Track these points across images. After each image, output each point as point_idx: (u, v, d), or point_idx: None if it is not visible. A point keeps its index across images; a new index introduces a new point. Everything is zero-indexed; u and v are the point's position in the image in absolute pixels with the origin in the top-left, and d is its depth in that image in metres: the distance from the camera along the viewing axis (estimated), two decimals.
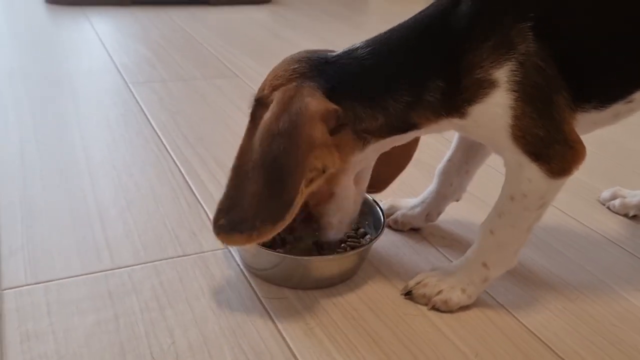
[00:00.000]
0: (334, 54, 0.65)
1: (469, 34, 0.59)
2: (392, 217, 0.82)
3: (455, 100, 0.60)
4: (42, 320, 0.62)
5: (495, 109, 0.58)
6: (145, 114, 1.14)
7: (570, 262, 0.79)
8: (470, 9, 0.59)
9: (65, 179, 0.90)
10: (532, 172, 0.60)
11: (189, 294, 0.67)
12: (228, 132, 1.09)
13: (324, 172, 0.60)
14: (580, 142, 0.60)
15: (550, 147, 0.58)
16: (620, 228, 0.88)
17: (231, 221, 0.60)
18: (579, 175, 1.02)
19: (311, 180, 0.60)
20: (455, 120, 0.61)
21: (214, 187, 0.90)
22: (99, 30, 1.70)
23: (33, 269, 0.69)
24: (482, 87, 0.58)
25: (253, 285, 0.69)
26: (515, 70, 0.57)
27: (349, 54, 0.64)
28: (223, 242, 0.61)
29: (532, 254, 0.80)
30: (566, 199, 0.95)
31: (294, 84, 0.61)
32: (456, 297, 0.67)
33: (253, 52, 1.58)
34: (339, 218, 0.69)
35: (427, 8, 0.63)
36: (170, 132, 1.07)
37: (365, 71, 0.62)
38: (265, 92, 0.63)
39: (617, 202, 0.91)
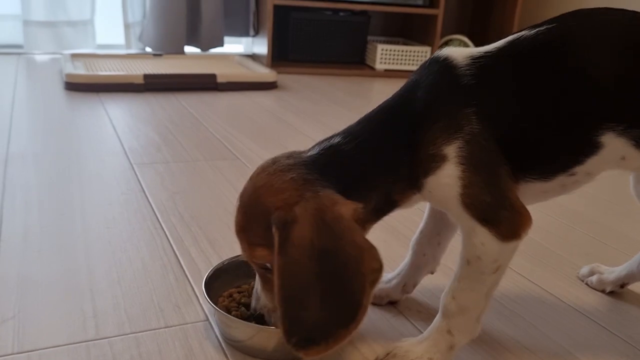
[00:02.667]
0: (316, 150, 0.68)
1: (424, 117, 0.66)
2: None
3: (414, 174, 0.66)
4: None
5: (446, 179, 0.64)
6: (145, 194, 1.21)
7: (543, 335, 0.81)
8: (425, 96, 0.66)
9: (63, 255, 0.94)
10: (484, 236, 0.64)
11: None
12: (222, 210, 1.15)
13: (381, 269, 0.63)
14: (525, 209, 0.65)
15: (498, 213, 0.64)
16: (596, 304, 0.90)
17: (303, 337, 0.61)
18: (559, 251, 1.06)
19: (374, 281, 0.62)
20: (417, 194, 0.67)
21: (202, 263, 0.94)
22: (112, 114, 1.80)
23: (20, 339, 0.73)
24: (435, 161, 0.64)
25: (229, 355, 0.72)
26: (462, 147, 0.63)
27: (333, 149, 0.68)
28: (305, 356, 0.62)
29: (504, 327, 0.82)
30: (545, 274, 0.97)
31: (309, 194, 0.63)
32: None
33: (255, 135, 1.66)
34: None
35: (391, 97, 0.70)
36: (167, 211, 1.13)
37: (355, 164, 0.67)
38: (282, 212, 0.62)
39: (594, 278, 0.93)
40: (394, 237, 1.07)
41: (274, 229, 0.62)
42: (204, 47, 2.86)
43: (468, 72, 0.65)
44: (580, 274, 0.96)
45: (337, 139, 0.69)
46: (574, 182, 0.69)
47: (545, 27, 0.66)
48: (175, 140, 1.59)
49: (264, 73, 2.35)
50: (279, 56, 2.83)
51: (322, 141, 0.70)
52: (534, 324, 0.83)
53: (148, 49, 2.81)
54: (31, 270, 0.89)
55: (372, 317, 0.82)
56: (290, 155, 0.69)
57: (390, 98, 0.71)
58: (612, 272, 0.92)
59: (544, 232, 1.14)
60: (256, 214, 0.65)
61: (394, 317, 0.83)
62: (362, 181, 0.66)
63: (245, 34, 3.04)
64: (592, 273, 0.95)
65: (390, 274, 0.86)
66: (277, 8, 2.70)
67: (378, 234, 1.13)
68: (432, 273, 0.85)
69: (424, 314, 0.84)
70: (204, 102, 2.03)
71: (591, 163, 0.66)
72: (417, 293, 0.87)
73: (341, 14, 2.79)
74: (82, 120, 1.76)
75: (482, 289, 0.67)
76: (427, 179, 0.65)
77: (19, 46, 2.74)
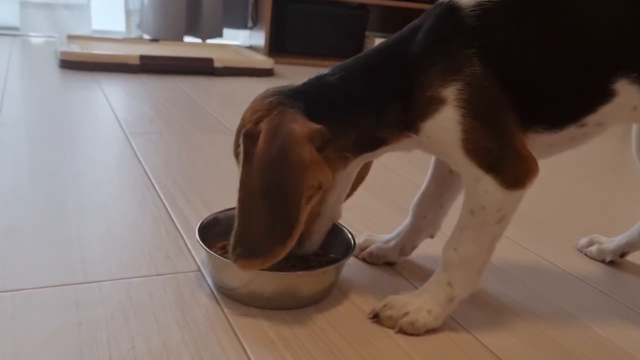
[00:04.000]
0: (303, 83, 0.70)
1: (422, 59, 0.64)
2: (366, 250, 0.83)
3: (410, 117, 0.64)
4: (5, 323, 0.62)
5: (445, 123, 0.62)
6: (138, 158, 1.18)
7: (542, 298, 0.79)
8: (424, 38, 0.65)
9: (52, 208, 0.92)
10: (488, 183, 0.62)
11: (156, 308, 0.67)
12: (217, 178, 1.12)
13: (320, 188, 0.64)
14: (532, 157, 0.63)
15: (502, 160, 0.62)
16: (596, 272, 0.88)
17: (246, 249, 0.64)
18: (558, 226, 1.04)
19: (310, 197, 0.64)
20: (414, 137, 0.65)
21: (195, 220, 0.91)
22: (106, 90, 1.77)
23: (5, 278, 0.70)
24: (432, 104, 0.62)
25: (221, 303, 0.70)
26: (462, 89, 0.61)
27: (319, 80, 0.69)
28: (242, 268, 0.64)
29: (505, 289, 0.80)
30: (544, 246, 0.95)
31: (275, 113, 0.66)
32: (422, 318, 0.66)
33: None
34: (320, 234, 0.73)
35: (390, 38, 0.68)
36: (160, 175, 1.10)
37: (336, 94, 0.67)
38: (250, 126, 0.67)
39: (594, 248, 0.92)
40: (388, 205, 1.05)
41: (240, 141, 0.66)
42: (203, 37, 2.84)
43: (472, 13, 0.63)
44: (579, 245, 0.95)
45: (325, 71, 0.69)
46: (583, 134, 0.66)
47: None
48: (169, 115, 1.57)
49: (261, 60, 2.34)
50: (277, 48, 2.82)
51: (314, 73, 0.70)
52: (535, 288, 0.81)
53: (146, 37, 2.79)
54: (18, 221, 0.86)
55: (368, 274, 0.80)
56: (283, 86, 0.70)
57: (389, 39, 0.69)
58: (611, 242, 0.91)
59: (542, 209, 1.13)
60: (237, 132, 0.69)
61: (391, 276, 0.81)
62: (339, 112, 0.66)
63: (243, 26, 3.03)
64: (591, 243, 0.93)
65: (388, 235, 0.84)
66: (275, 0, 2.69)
67: (372, 202, 1.11)
68: (431, 237, 0.83)
69: (421, 274, 0.82)
70: (200, 85, 2.01)
71: (603, 112, 0.64)
72: (415, 257, 0.85)
73: (340, 7, 2.78)
74: (76, 94, 1.73)
75: (485, 240, 0.65)
76: (424, 123, 0.63)
77: (16, 28, 2.72)
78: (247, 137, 0.65)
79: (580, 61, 0.63)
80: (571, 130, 0.65)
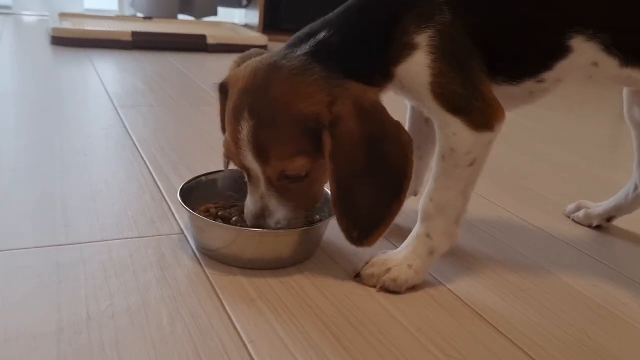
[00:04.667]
0: (305, 48, 0.65)
1: (399, 9, 0.64)
2: None
3: (387, 63, 0.65)
4: None
5: (416, 68, 0.63)
6: (127, 129, 1.18)
7: (526, 259, 0.79)
8: None
9: (36, 174, 0.92)
10: (456, 126, 0.63)
11: (137, 268, 0.67)
12: (205, 146, 1.12)
13: (412, 142, 0.64)
14: (498, 102, 0.64)
15: (469, 103, 0.63)
16: (582, 235, 0.88)
17: (363, 229, 0.63)
18: (546, 193, 1.04)
19: (412, 151, 0.64)
20: (389, 85, 0.66)
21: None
22: (98, 67, 1.76)
23: None
24: (406, 49, 0.63)
25: (203, 264, 0.70)
26: (433, 37, 0.63)
27: (327, 45, 0.65)
28: (370, 245, 0.64)
29: (488, 250, 0.80)
30: (530, 210, 0.95)
31: (337, 90, 0.62)
32: (404, 274, 0.66)
33: None
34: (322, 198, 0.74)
35: None
36: (148, 144, 1.10)
37: (349, 56, 0.65)
38: (324, 114, 0.61)
39: (581, 213, 0.92)
40: None
41: (324, 133, 0.61)
42: (197, 16, 2.82)
43: None
44: (567, 211, 0.95)
45: (323, 34, 0.66)
46: (543, 90, 0.68)
47: None
48: (161, 89, 1.56)
49: (255, 36, 2.32)
50: (271, 25, 2.80)
51: (303, 37, 0.67)
52: (519, 250, 0.81)
53: (140, 15, 2.77)
54: (2, 186, 0.86)
55: None
56: (277, 57, 0.65)
57: None
58: (599, 206, 0.90)
59: (528, 176, 1.12)
60: (286, 125, 0.62)
61: None
62: (357, 71, 0.65)
63: (238, 4, 3.00)
64: (578, 208, 0.93)
65: None
66: None
67: None
68: (415, 195, 0.83)
69: (405, 235, 0.81)
70: (193, 61, 2.00)
71: (560, 68, 0.65)
72: (398, 219, 0.85)
73: None
74: (67, 70, 1.72)
75: (459, 185, 0.66)
76: (397, 68, 0.64)
77: (8, 7, 2.70)
78: (332, 125, 0.61)
79: (538, 17, 0.64)
80: (530, 85, 0.67)
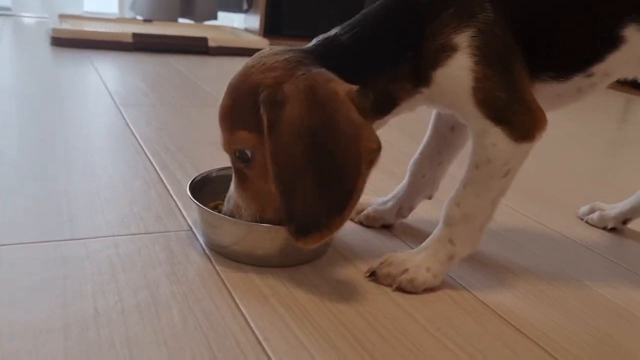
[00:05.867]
0: (313, 44, 0.64)
1: (432, 7, 0.61)
2: (363, 212, 0.81)
3: (421, 68, 0.61)
4: None
5: (457, 71, 0.59)
6: (129, 127, 1.15)
7: (542, 260, 0.77)
8: None
9: (39, 169, 0.89)
10: (496, 136, 0.60)
11: (145, 264, 0.65)
12: (210, 147, 1.10)
13: (379, 150, 0.58)
14: (541, 110, 0.60)
15: (512, 111, 0.59)
16: (596, 237, 0.86)
17: (300, 225, 0.58)
18: (558, 196, 1.02)
19: (371, 162, 0.58)
20: (424, 91, 0.62)
21: (187, 184, 0.89)
22: (99, 67, 1.74)
23: None
24: (444, 52, 0.59)
25: (213, 260, 0.67)
26: (474, 36, 0.58)
27: (331, 40, 0.63)
28: (304, 245, 0.59)
29: (504, 252, 0.78)
30: (543, 213, 0.93)
31: (301, 72, 0.58)
32: (421, 275, 0.64)
33: None
34: None
35: None
36: (152, 142, 1.07)
37: (352, 53, 0.62)
38: (269, 90, 0.58)
39: (595, 215, 0.90)
40: (386, 175, 1.03)
41: (261, 109, 0.58)
42: (197, 20, 2.81)
43: None
44: (580, 213, 0.93)
45: (335, 31, 0.64)
46: (590, 85, 0.64)
47: None
48: (162, 89, 1.54)
49: (256, 40, 2.31)
50: (272, 30, 2.79)
51: (320, 35, 0.65)
52: (534, 251, 0.79)
53: (139, 18, 2.75)
54: (5, 183, 0.84)
55: (365, 237, 0.78)
56: (288, 47, 0.64)
57: None
58: (613, 208, 0.89)
59: (543, 181, 1.11)
60: (243, 95, 0.61)
61: (388, 238, 0.79)
62: (359, 72, 0.61)
63: (238, 9, 2.99)
64: (592, 210, 0.91)
65: (385, 197, 0.82)
66: None
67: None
68: (429, 198, 0.81)
69: (419, 237, 0.79)
70: (194, 63, 1.98)
71: (611, 61, 0.62)
72: (412, 220, 0.83)
73: None
74: (67, 69, 1.70)
75: (489, 195, 0.63)
76: (435, 72, 0.60)
77: (7, 8, 2.68)
78: (272, 104, 0.57)
79: (589, 6, 0.61)
80: (578, 80, 0.63)
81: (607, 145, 1.56)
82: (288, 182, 0.58)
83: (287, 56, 0.61)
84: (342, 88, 0.58)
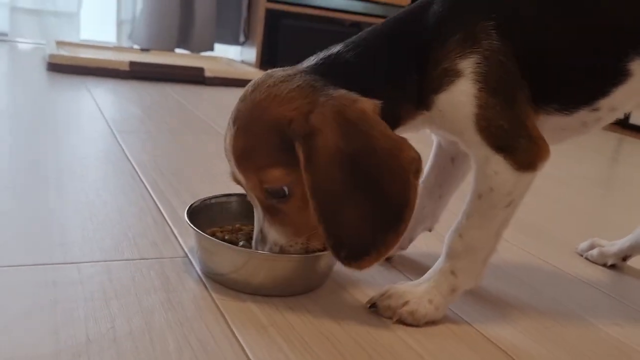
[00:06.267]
0: (315, 61, 0.63)
1: (438, 31, 0.61)
2: None
3: (424, 91, 0.61)
4: None
5: (460, 97, 0.59)
6: (125, 153, 1.14)
7: (545, 296, 0.76)
8: (440, 9, 0.61)
9: (33, 193, 0.87)
10: (498, 164, 0.59)
11: (139, 290, 0.63)
12: (207, 174, 1.09)
13: (420, 159, 0.58)
14: (544, 140, 0.60)
15: (515, 140, 0.58)
16: (597, 274, 0.85)
17: (351, 250, 0.57)
18: (556, 232, 1.01)
19: (417, 171, 0.57)
20: (426, 113, 0.62)
21: (183, 211, 0.87)
22: (95, 93, 1.74)
23: None
24: (448, 76, 0.59)
25: (209, 288, 0.66)
26: (479, 63, 0.58)
27: (334, 58, 0.62)
28: (359, 269, 0.58)
29: (506, 287, 0.77)
30: (544, 249, 0.92)
31: (322, 98, 0.57)
32: (423, 308, 0.63)
33: None
34: None
35: (403, 10, 0.66)
36: (147, 168, 1.06)
37: (358, 71, 0.62)
38: (298, 122, 0.57)
39: (595, 251, 0.89)
40: None
41: (296, 144, 0.56)
42: (194, 50, 2.83)
43: None
44: (580, 249, 0.92)
45: (337, 48, 0.64)
46: (596, 120, 0.64)
47: None
48: (159, 117, 1.53)
49: (252, 71, 2.32)
50: (268, 63, 2.81)
51: (320, 52, 0.65)
52: (536, 287, 0.78)
53: (137, 47, 2.77)
54: None
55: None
56: (285, 69, 0.63)
57: (401, 11, 0.66)
58: (613, 245, 0.88)
59: (539, 216, 1.10)
60: (263, 132, 0.59)
61: (387, 270, 0.77)
62: (366, 90, 0.60)
63: (235, 41, 3.02)
64: (592, 247, 0.90)
65: None
66: (268, 14, 2.69)
67: None
68: (429, 230, 0.80)
69: (419, 270, 0.78)
70: (190, 92, 1.98)
71: (617, 95, 0.62)
72: (412, 252, 0.82)
73: (333, 24, 2.79)
74: (63, 95, 1.69)
75: (493, 226, 0.62)
76: (438, 96, 0.60)
77: (4, 34, 2.68)
78: (305, 135, 0.56)
79: (597, 39, 0.61)
80: (583, 114, 0.63)
81: (601, 184, 1.56)
82: (333, 211, 0.57)
83: (298, 83, 0.59)
84: (368, 106, 0.58)
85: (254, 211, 0.65)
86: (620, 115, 0.65)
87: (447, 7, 0.61)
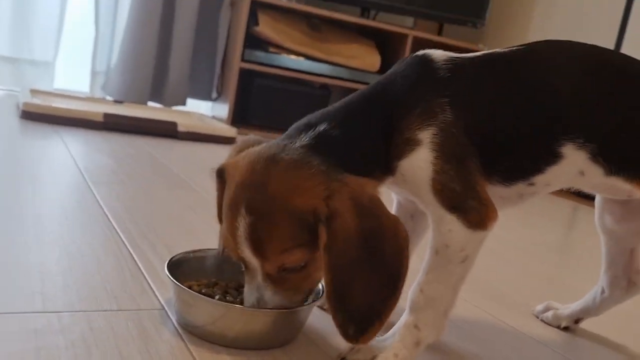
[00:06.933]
0: (304, 140, 0.67)
1: (401, 105, 0.68)
2: None
3: (390, 158, 0.68)
4: None
5: (419, 163, 0.66)
6: (100, 204, 1.16)
7: (503, 353, 0.80)
8: (403, 86, 0.69)
9: (11, 244, 0.89)
10: (452, 223, 0.65)
11: (119, 340, 0.65)
12: (182, 229, 1.11)
13: (407, 235, 0.65)
14: (492, 202, 0.67)
15: (466, 202, 0.65)
16: (551, 335, 0.90)
17: (359, 324, 0.62)
18: (513, 295, 1.07)
19: (407, 246, 0.65)
20: (391, 178, 0.68)
21: (159, 264, 0.90)
22: (68, 142, 1.76)
23: None
24: (409, 145, 0.66)
25: (185, 339, 0.68)
26: (435, 134, 0.66)
27: (326, 137, 0.67)
28: (365, 342, 0.63)
29: (465, 344, 0.81)
30: (502, 310, 0.98)
31: (335, 184, 0.63)
32: None
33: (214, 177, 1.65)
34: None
35: (369, 86, 0.73)
36: (123, 219, 1.09)
37: (346, 149, 0.68)
38: (321, 208, 0.62)
39: (549, 314, 0.94)
40: None
41: (320, 227, 0.62)
42: (167, 104, 2.88)
43: (445, 67, 0.69)
44: (536, 311, 0.97)
45: (322, 126, 0.68)
46: (532, 193, 0.71)
47: (517, 47, 0.71)
48: (132, 169, 1.56)
49: (224, 128, 2.38)
50: (240, 120, 2.87)
51: (302, 128, 0.69)
52: (495, 346, 0.83)
53: (110, 98, 2.80)
54: None
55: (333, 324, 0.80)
56: (276, 148, 0.67)
57: (368, 87, 0.73)
58: (567, 308, 0.94)
59: (498, 279, 1.16)
60: (284, 221, 0.63)
61: None
62: (356, 166, 0.67)
63: (207, 97, 3.08)
64: (547, 309, 0.96)
65: None
66: (242, 73, 2.77)
67: None
68: None
69: (386, 326, 0.82)
70: (163, 146, 2.02)
71: (551, 173, 0.69)
72: None
73: (304, 85, 2.88)
74: (36, 143, 1.71)
75: (450, 280, 0.68)
76: (400, 162, 0.67)
77: None
78: (328, 220, 0.61)
79: (533, 123, 0.68)
80: (520, 187, 0.70)
81: (557, 250, 1.64)
82: (346, 286, 0.62)
83: (310, 170, 0.64)
84: (374, 188, 0.66)
85: (246, 279, 0.69)
86: (555, 189, 0.72)
87: (408, 84, 0.69)
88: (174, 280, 0.70)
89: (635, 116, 0.68)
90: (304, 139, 0.68)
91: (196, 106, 3.13)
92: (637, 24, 2.51)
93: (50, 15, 2.67)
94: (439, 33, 3.47)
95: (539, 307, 0.97)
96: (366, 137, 0.68)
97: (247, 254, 0.65)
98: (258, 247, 0.64)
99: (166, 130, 2.20)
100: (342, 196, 0.63)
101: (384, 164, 0.68)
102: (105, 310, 0.72)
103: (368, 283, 0.63)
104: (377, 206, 0.65)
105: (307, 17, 2.86)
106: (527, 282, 1.20)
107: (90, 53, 2.82)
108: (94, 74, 2.86)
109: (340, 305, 0.62)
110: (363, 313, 0.62)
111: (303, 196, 0.63)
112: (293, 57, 2.79)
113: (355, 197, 0.63)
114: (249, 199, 0.64)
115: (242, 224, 0.64)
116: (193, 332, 0.69)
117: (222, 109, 2.88)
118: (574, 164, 0.69)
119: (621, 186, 0.69)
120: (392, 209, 0.82)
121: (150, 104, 2.85)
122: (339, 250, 0.62)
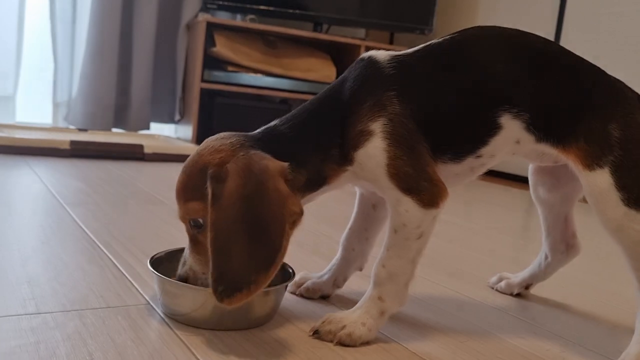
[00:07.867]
0: (258, 132, 0.78)
1: (352, 101, 0.76)
2: (303, 286, 0.91)
3: (345, 150, 0.75)
4: None
5: (374, 151, 0.73)
6: (78, 223, 1.22)
7: (460, 319, 0.89)
8: (353, 85, 0.78)
9: None
10: (407, 204, 0.73)
11: (111, 331, 0.71)
12: (157, 237, 1.18)
13: (301, 214, 0.70)
14: (442, 182, 0.75)
15: (419, 183, 0.73)
16: (505, 301, 1.00)
17: (228, 285, 0.67)
18: (475, 271, 1.16)
19: (294, 223, 0.70)
20: (349, 169, 0.76)
21: (140, 268, 0.96)
22: (38, 171, 1.80)
23: None
24: (363, 136, 0.74)
25: (172, 326, 0.75)
26: (386, 124, 0.74)
27: (272, 129, 0.78)
28: (229, 305, 0.67)
29: (428, 314, 0.89)
30: (462, 285, 1.06)
31: (242, 153, 0.72)
32: (358, 330, 0.74)
33: None
34: None
35: (322, 91, 0.81)
36: (102, 234, 1.14)
37: (288, 139, 0.77)
38: (215, 168, 0.71)
39: (502, 283, 1.04)
40: (318, 257, 1.14)
41: (208, 183, 0.70)
42: (131, 129, 2.92)
43: (389, 65, 0.77)
44: (491, 282, 1.06)
45: (275, 122, 0.79)
46: (481, 165, 0.80)
47: (450, 36, 0.80)
48: (103, 190, 1.61)
49: (190, 147, 2.44)
50: (204, 139, 2.93)
51: (264, 126, 0.79)
52: (453, 313, 0.91)
53: (73, 127, 2.83)
54: None
55: (306, 307, 0.88)
56: (233, 133, 0.77)
57: (323, 91, 0.81)
58: (517, 277, 1.03)
59: (463, 260, 1.25)
60: (194, 172, 0.74)
61: (327, 306, 0.88)
62: (294, 155, 0.74)
63: (170, 119, 3.14)
64: (500, 279, 1.05)
65: (321, 271, 0.92)
66: (203, 93, 2.84)
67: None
68: (360, 270, 0.93)
69: (353, 304, 0.89)
70: (131, 168, 2.07)
71: (494, 144, 0.77)
72: (346, 292, 0.94)
73: (264, 101, 2.97)
74: (6, 172, 1.74)
75: (409, 255, 0.76)
76: (357, 152, 0.75)
77: None
78: (216, 179, 0.69)
79: (472, 101, 0.77)
80: (470, 161, 0.79)
81: (514, 234, 1.74)
82: (223, 246, 0.68)
83: (232, 140, 0.74)
84: (273, 164, 0.71)
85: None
86: (498, 160, 0.81)
87: (358, 83, 0.77)
88: (158, 274, 0.77)
89: (555, 90, 0.78)
90: (256, 131, 0.78)
91: (159, 129, 3.18)
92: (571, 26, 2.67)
93: (7, 50, 2.70)
94: (390, 42, 3.60)
95: (493, 279, 1.07)
96: (316, 133, 0.76)
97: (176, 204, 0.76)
98: (177, 194, 0.76)
99: (133, 153, 2.25)
100: (237, 162, 0.70)
101: (339, 155, 0.76)
102: (95, 308, 0.78)
103: (246, 249, 0.67)
104: (267, 176, 0.69)
105: (262, 35, 2.95)
106: (485, 261, 1.29)
107: (50, 85, 2.86)
108: (55, 105, 2.90)
109: (218, 263, 0.67)
110: (235, 277, 0.67)
111: (211, 156, 0.73)
112: (252, 74, 2.87)
113: (247, 164, 0.70)
114: (187, 160, 0.77)
115: (177, 180, 0.76)
116: (179, 320, 0.76)
117: (186, 130, 2.95)
118: (511, 133, 0.77)
119: (549, 152, 0.78)
120: (355, 201, 0.90)
121: (115, 130, 2.90)
122: (221, 208, 0.68)
